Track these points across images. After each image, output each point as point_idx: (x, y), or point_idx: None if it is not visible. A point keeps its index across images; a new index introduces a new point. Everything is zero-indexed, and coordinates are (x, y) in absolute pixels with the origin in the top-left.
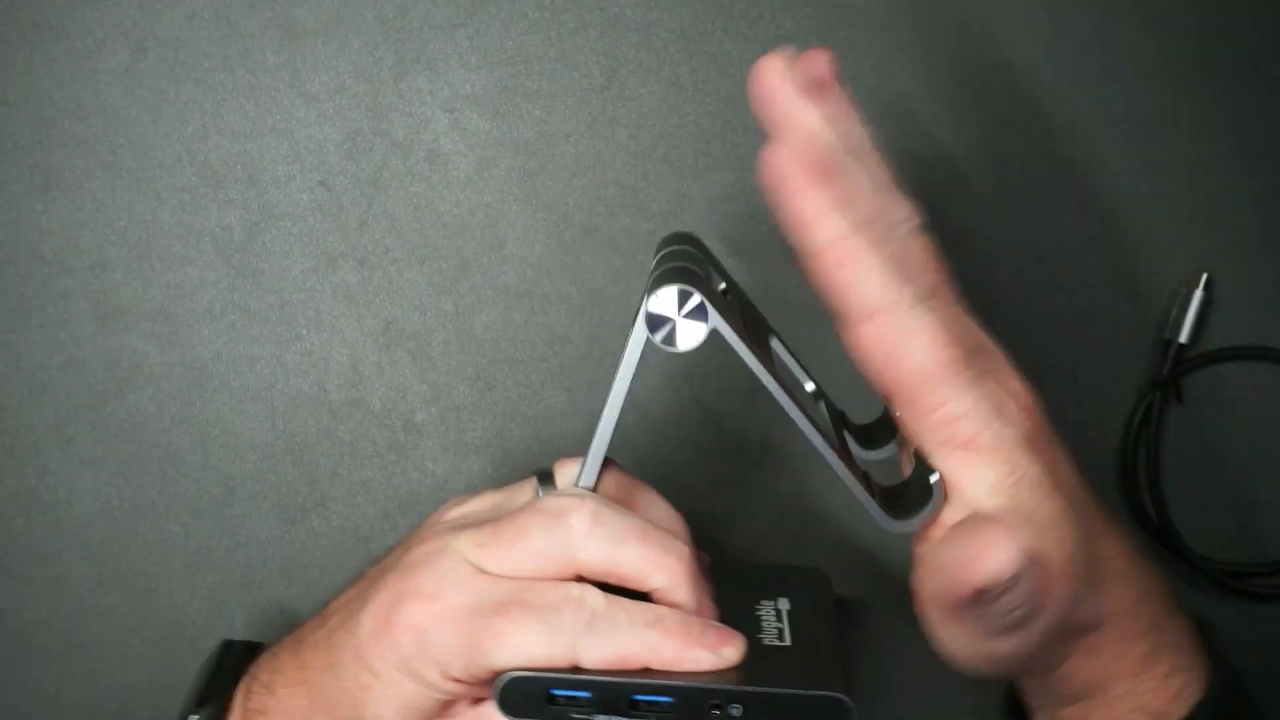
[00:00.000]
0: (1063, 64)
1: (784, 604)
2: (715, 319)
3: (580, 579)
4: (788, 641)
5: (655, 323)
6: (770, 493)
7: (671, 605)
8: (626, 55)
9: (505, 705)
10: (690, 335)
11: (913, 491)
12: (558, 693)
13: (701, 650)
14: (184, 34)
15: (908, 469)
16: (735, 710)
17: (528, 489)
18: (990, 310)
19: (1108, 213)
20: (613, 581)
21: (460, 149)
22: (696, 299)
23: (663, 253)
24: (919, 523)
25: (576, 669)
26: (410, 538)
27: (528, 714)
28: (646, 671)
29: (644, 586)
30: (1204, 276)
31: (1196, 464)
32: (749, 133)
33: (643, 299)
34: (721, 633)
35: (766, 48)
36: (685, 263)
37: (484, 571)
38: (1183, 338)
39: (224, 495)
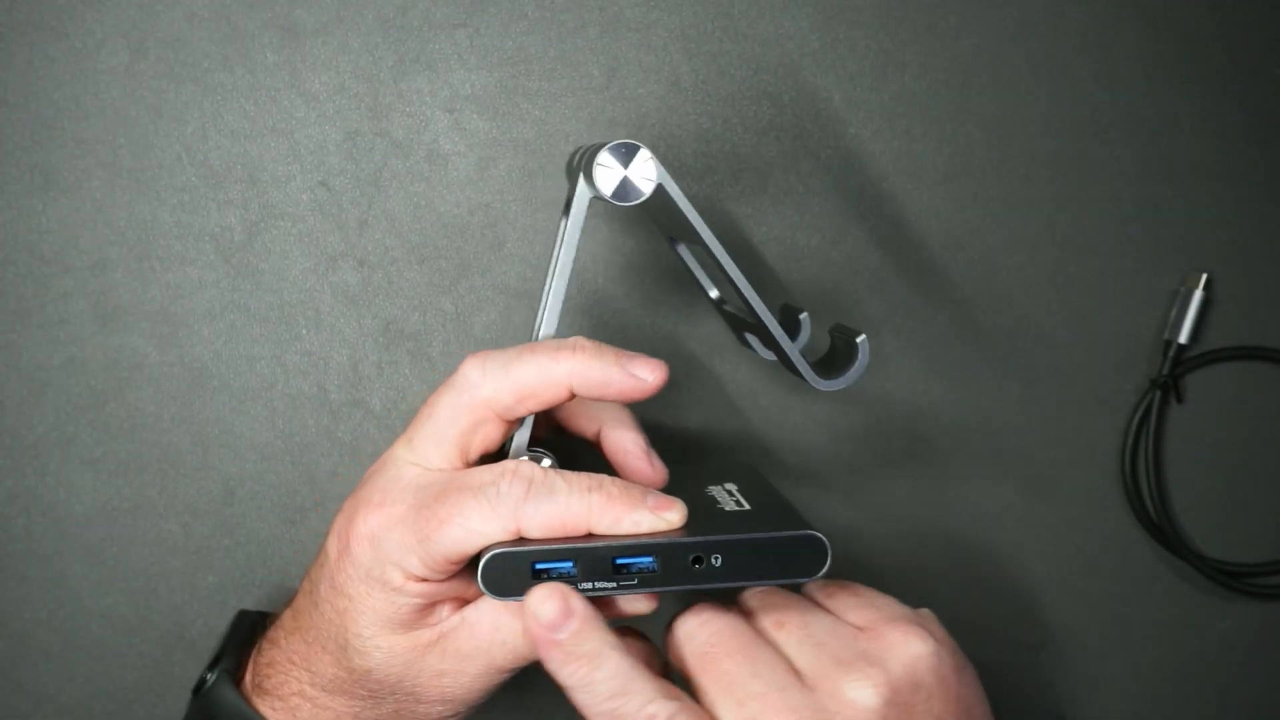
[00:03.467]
0: (1063, 64)
1: (730, 485)
2: (661, 173)
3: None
4: (747, 506)
5: (605, 179)
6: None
7: (593, 385)
8: (626, 55)
9: (489, 585)
10: (643, 184)
11: (839, 357)
12: (541, 566)
13: (643, 511)
14: (184, 34)
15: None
16: (716, 560)
17: None
18: (991, 310)
19: (1108, 213)
20: (530, 405)
21: (460, 149)
22: (644, 154)
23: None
24: (846, 382)
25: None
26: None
27: (514, 593)
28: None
29: (560, 391)
30: (1204, 277)
31: (1196, 464)
32: (749, 132)
33: (578, 161)
34: (662, 497)
35: (766, 48)
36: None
37: (426, 469)
38: (1183, 338)
39: (224, 495)
